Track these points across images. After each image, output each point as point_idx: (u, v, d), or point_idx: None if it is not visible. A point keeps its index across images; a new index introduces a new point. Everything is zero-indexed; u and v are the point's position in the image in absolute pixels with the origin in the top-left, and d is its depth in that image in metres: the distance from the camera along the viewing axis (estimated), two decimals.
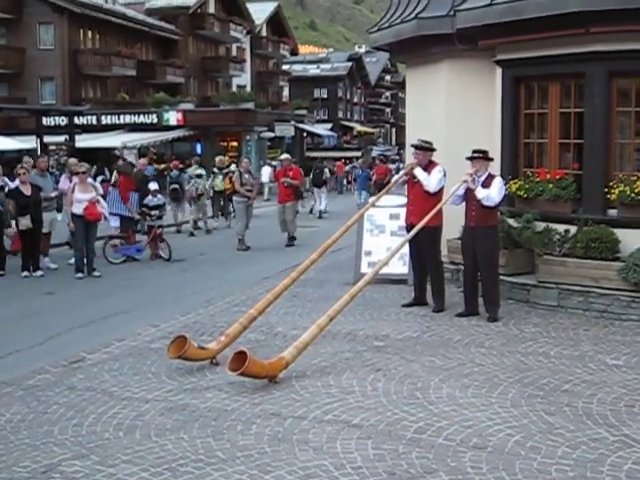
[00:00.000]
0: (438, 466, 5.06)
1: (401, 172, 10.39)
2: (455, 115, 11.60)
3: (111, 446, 5.50)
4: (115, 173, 18.41)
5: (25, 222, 13.44)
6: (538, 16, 9.60)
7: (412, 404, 6.29)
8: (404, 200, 11.11)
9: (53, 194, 14.54)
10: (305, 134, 54.06)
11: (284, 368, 6.95)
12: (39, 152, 22.68)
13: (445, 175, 9.64)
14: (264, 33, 62.74)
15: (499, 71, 10.99)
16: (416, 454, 5.26)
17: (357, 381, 6.91)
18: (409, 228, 9.50)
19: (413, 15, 11.65)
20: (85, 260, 13.66)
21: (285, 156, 19.72)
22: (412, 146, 9.91)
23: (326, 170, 28.61)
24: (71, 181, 14.93)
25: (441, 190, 9.59)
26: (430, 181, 9.55)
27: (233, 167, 22.89)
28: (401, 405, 6.27)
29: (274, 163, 19.66)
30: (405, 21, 11.88)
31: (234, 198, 18.33)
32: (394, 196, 11.51)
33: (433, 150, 9.81)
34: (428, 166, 9.69)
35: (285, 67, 70.80)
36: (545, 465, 5.07)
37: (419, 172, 9.63)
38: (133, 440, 5.61)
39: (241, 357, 6.55)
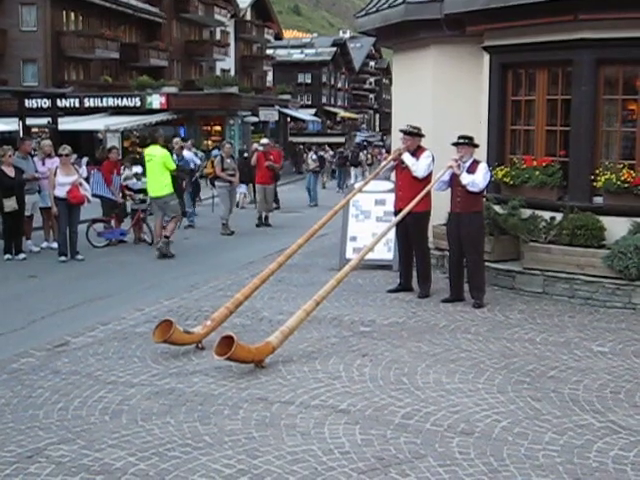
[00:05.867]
0: (426, 451, 5.06)
1: (389, 157, 10.35)
2: (442, 101, 11.57)
3: (97, 430, 5.46)
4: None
5: (11, 204, 13.32)
6: (526, 2, 9.58)
7: (399, 389, 6.29)
8: (390, 186, 11.13)
9: (37, 175, 14.42)
10: (289, 119, 53.88)
11: (271, 353, 6.93)
12: (21, 134, 22.43)
13: (434, 160, 9.62)
14: (248, 17, 62.35)
15: (487, 57, 10.97)
16: (404, 439, 5.26)
17: (344, 366, 6.90)
18: (398, 214, 9.46)
19: (401, 0, 11.59)
20: (68, 243, 13.56)
21: (266, 140, 20.39)
22: (401, 131, 9.89)
23: (361, 154, 37.08)
24: (44, 164, 14.82)
25: (429, 175, 9.58)
26: (418, 166, 9.53)
27: (215, 152, 23.68)
28: (388, 390, 6.27)
29: (260, 147, 20.08)
30: (393, 6, 11.82)
31: (216, 183, 18.33)
32: (380, 181, 11.49)
33: (422, 136, 9.79)
34: (416, 151, 9.67)
35: (269, 52, 70.44)
36: (532, 451, 5.08)
37: (407, 157, 9.61)
38: (119, 424, 5.57)
39: (228, 341, 6.52)
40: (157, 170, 13.85)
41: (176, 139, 19.71)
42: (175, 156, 17.66)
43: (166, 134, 41.00)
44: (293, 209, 23.70)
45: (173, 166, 14.15)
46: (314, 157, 30.02)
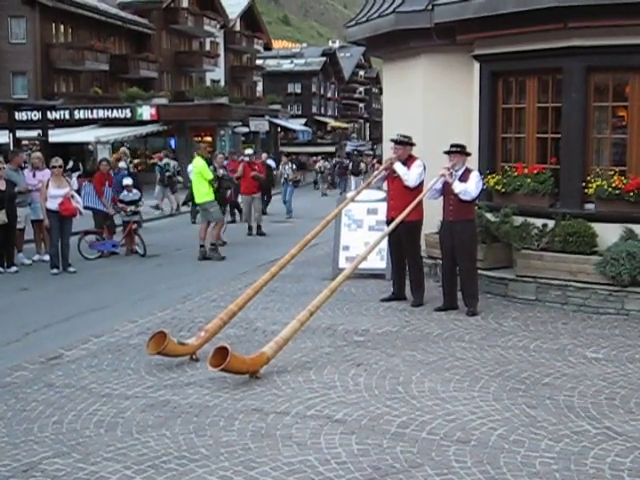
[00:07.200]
0: (423, 460, 5.05)
1: (381, 167, 10.36)
2: (432, 110, 11.60)
3: (92, 443, 5.43)
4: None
5: (1, 217, 13.27)
6: (516, 11, 9.63)
7: (394, 398, 6.29)
8: (382, 195, 11.14)
9: (30, 187, 14.40)
10: (279, 129, 53.93)
11: (265, 363, 6.92)
12: (11, 147, 22.38)
13: (425, 169, 9.64)
14: (238, 28, 62.47)
15: (477, 66, 11.00)
16: (400, 448, 5.25)
17: (338, 376, 6.89)
18: (390, 223, 9.47)
19: (391, 9, 11.62)
20: (60, 256, 13.52)
21: (250, 151, 21.01)
22: (391, 141, 9.90)
23: (362, 163, 38.49)
24: (35, 176, 14.80)
25: (421, 184, 9.59)
26: (410, 176, 9.55)
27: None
28: (383, 400, 6.26)
29: (245, 158, 20.15)
30: (383, 15, 11.85)
31: None
32: (372, 191, 11.50)
33: (412, 145, 9.81)
34: (408, 161, 9.69)
35: (259, 62, 70.56)
36: (529, 458, 5.08)
37: (399, 167, 9.62)
38: (114, 437, 5.55)
39: (222, 353, 6.50)
40: (196, 180, 15.33)
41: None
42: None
43: (156, 145, 41.14)
44: (285, 219, 23.68)
45: (209, 176, 15.21)
46: (294, 167, 28.57)
